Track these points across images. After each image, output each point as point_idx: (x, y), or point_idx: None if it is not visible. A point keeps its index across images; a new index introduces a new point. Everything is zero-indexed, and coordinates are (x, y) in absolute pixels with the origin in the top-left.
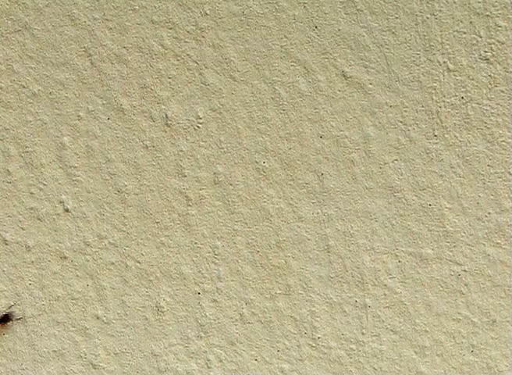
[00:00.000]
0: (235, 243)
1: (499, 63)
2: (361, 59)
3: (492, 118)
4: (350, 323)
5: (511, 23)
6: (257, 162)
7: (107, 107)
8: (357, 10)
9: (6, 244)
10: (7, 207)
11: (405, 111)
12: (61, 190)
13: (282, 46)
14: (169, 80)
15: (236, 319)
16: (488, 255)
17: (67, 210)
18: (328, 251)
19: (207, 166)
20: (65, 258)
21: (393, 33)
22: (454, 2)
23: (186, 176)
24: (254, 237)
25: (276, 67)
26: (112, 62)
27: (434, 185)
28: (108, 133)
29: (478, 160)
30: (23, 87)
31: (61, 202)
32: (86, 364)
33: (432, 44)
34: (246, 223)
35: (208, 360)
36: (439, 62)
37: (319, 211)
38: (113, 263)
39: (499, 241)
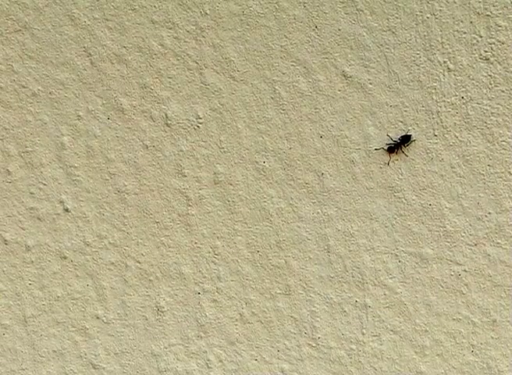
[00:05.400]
0: (235, 243)
1: (499, 63)
2: (361, 59)
3: (492, 118)
4: (350, 323)
5: (511, 23)
6: (257, 162)
7: (107, 107)
8: (358, 10)
9: (6, 244)
10: (7, 207)
11: (405, 111)
12: (61, 190)
13: (282, 46)
14: (169, 80)
15: (236, 319)
16: (489, 255)
17: (67, 210)
18: (328, 251)
19: (207, 166)
20: (65, 258)
21: (393, 33)
22: (454, 2)
23: (186, 176)
24: (254, 237)
25: (276, 67)
26: (112, 62)
27: (434, 185)
28: (108, 133)
29: (478, 160)
30: (23, 87)
31: (61, 202)
32: (86, 364)
33: (432, 44)
34: (246, 223)
35: (208, 360)
36: (439, 62)
37: (319, 211)
38: (113, 263)
39: (499, 241)
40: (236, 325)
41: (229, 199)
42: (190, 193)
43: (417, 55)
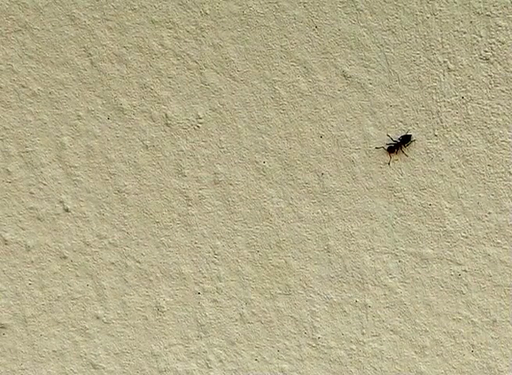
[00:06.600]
0: (235, 243)
1: (499, 63)
2: (361, 59)
3: (492, 118)
4: (350, 323)
5: (511, 23)
6: (257, 162)
7: (107, 107)
8: (357, 10)
9: (6, 244)
10: (7, 207)
11: (405, 111)
12: (61, 190)
13: (282, 46)
14: (169, 80)
15: (236, 319)
16: (488, 255)
17: (67, 210)
18: (328, 251)
19: (207, 166)
20: (65, 258)
21: (393, 32)
22: (454, 2)
23: (186, 176)
24: (254, 237)
25: (276, 67)
26: (112, 62)
27: (434, 185)
28: (108, 133)
29: (478, 160)
30: (23, 86)
31: (61, 202)
32: (86, 364)
33: (432, 43)
34: (246, 223)
35: (208, 360)
36: (439, 61)
37: (319, 211)
38: (113, 263)
39: (499, 241)
40: (236, 325)
41: (229, 199)
42: (190, 193)
43: (417, 55)
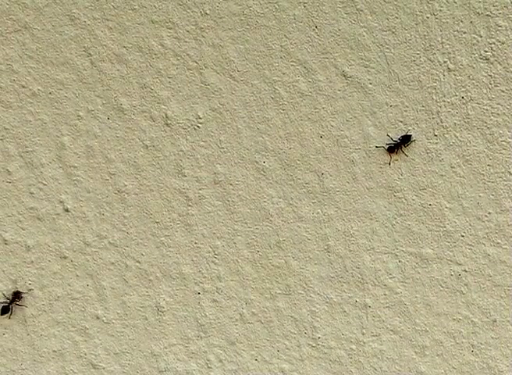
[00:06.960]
0: (235, 243)
1: (499, 63)
2: (361, 59)
3: (492, 118)
4: (350, 323)
5: (511, 23)
6: (257, 162)
7: (107, 107)
8: (357, 10)
9: (6, 244)
10: (7, 207)
11: (405, 111)
12: (61, 190)
13: (282, 46)
14: (169, 80)
15: (236, 319)
16: (488, 255)
17: (67, 210)
18: (328, 251)
19: (207, 166)
20: (65, 258)
21: (393, 32)
22: (454, 2)
23: (186, 176)
24: (254, 237)
25: (276, 67)
26: (112, 62)
27: (434, 185)
28: (108, 133)
29: (478, 160)
30: (23, 86)
31: (61, 202)
32: (86, 364)
33: (432, 43)
34: (246, 223)
35: (208, 360)
36: (439, 61)
37: (319, 211)
38: (113, 263)
39: (499, 241)
40: (236, 325)
41: (229, 199)
42: (190, 193)
43: (417, 55)
